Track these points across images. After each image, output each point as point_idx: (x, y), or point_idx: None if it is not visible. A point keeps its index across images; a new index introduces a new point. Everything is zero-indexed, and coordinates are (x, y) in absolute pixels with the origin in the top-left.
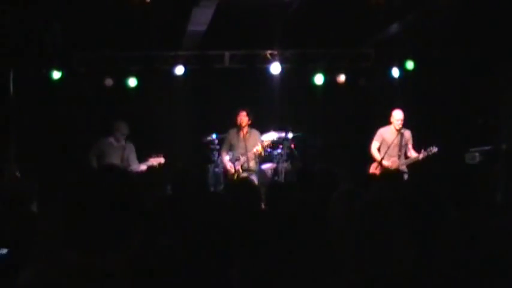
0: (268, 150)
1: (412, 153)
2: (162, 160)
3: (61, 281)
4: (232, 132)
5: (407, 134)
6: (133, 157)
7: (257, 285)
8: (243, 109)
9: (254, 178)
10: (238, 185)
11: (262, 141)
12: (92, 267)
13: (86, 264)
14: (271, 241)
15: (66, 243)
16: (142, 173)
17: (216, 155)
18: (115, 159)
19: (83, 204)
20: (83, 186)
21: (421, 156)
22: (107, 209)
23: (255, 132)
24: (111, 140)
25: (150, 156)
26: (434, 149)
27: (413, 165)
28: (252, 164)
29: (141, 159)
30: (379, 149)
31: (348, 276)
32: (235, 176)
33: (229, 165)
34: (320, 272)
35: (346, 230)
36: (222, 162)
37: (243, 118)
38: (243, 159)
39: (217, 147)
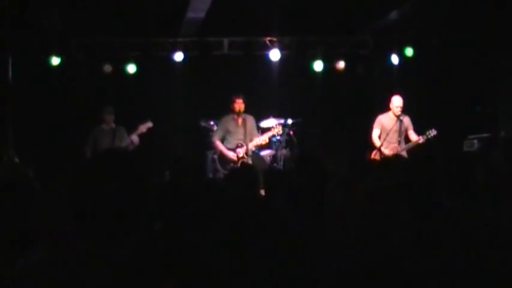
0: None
1: (414, 137)
2: (150, 124)
3: (72, 271)
4: (228, 118)
5: (406, 120)
6: (125, 137)
7: (255, 270)
8: (239, 96)
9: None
10: (238, 172)
11: (272, 129)
12: (102, 257)
13: (96, 254)
14: (269, 227)
15: (76, 234)
16: (135, 144)
17: None
18: (106, 142)
19: (89, 195)
20: (87, 177)
21: (420, 140)
22: (113, 198)
23: (250, 118)
24: (102, 126)
25: (138, 125)
26: (434, 132)
27: (413, 152)
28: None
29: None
30: (379, 137)
31: (346, 259)
32: (239, 163)
33: (232, 155)
34: (317, 256)
35: (344, 216)
36: (216, 148)
37: (241, 105)
38: (245, 147)
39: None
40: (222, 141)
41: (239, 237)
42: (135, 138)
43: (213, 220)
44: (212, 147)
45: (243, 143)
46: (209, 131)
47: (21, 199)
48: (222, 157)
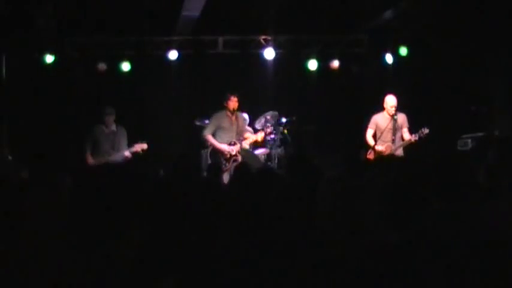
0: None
1: (407, 136)
2: (144, 146)
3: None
4: (221, 114)
5: (401, 118)
6: (124, 142)
7: (248, 268)
8: (234, 94)
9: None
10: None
11: (264, 130)
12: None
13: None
14: (262, 226)
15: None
16: (127, 159)
17: None
18: (107, 146)
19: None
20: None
21: (413, 138)
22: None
23: (242, 116)
24: (103, 127)
25: (135, 143)
26: (426, 130)
27: (408, 150)
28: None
29: (129, 145)
30: (374, 136)
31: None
32: (232, 161)
33: (225, 147)
34: (307, 252)
35: (334, 214)
36: (208, 142)
37: (235, 103)
38: (238, 145)
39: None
40: (213, 136)
41: (236, 236)
42: (128, 153)
43: (210, 219)
44: (203, 141)
45: (236, 141)
46: (204, 129)
47: (12, 196)
48: (214, 151)
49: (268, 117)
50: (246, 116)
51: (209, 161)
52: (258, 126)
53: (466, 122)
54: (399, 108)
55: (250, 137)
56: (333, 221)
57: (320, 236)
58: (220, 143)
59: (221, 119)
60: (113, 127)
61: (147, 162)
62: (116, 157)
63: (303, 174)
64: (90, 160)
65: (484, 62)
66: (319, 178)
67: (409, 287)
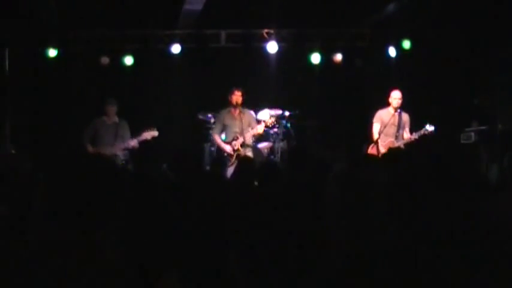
0: (265, 129)
1: (407, 135)
2: (155, 133)
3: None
4: (224, 112)
5: (406, 116)
6: (127, 134)
7: (252, 263)
8: (238, 88)
9: (250, 154)
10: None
11: (265, 121)
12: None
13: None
14: (264, 220)
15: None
16: (134, 148)
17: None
18: (109, 137)
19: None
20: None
21: (416, 135)
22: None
23: (248, 111)
24: (104, 118)
25: (143, 131)
26: (431, 128)
27: (410, 145)
28: (249, 142)
29: (135, 134)
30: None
31: (339, 249)
32: (235, 156)
33: (228, 148)
34: (312, 248)
35: (340, 208)
36: (215, 142)
37: (239, 98)
38: (241, 138)
39: (213, 125)
40: (221, 133)
41: (238, 229)
42: (135, 142)
43: (212, 212)
44: (211, 141)
45: (238, 136)
46: (207, 123)
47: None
48: (220, 151)
49: (269, 113)
50: (253, 112)
51: (214, 155)
52: (260, 117)
53: (469, 115)
54: (402, 101)
55: (251, 130)
56: (342, 217)
57: (327, 233)
58: (226, 139)
59: (224, 116)
60: (115, 119)
61: (150, 155)
62: (119, 147)
63: (303, 168)
64: (91, 150)
65: (487, 54)
66: (320, 171)
67: (416, 284)
